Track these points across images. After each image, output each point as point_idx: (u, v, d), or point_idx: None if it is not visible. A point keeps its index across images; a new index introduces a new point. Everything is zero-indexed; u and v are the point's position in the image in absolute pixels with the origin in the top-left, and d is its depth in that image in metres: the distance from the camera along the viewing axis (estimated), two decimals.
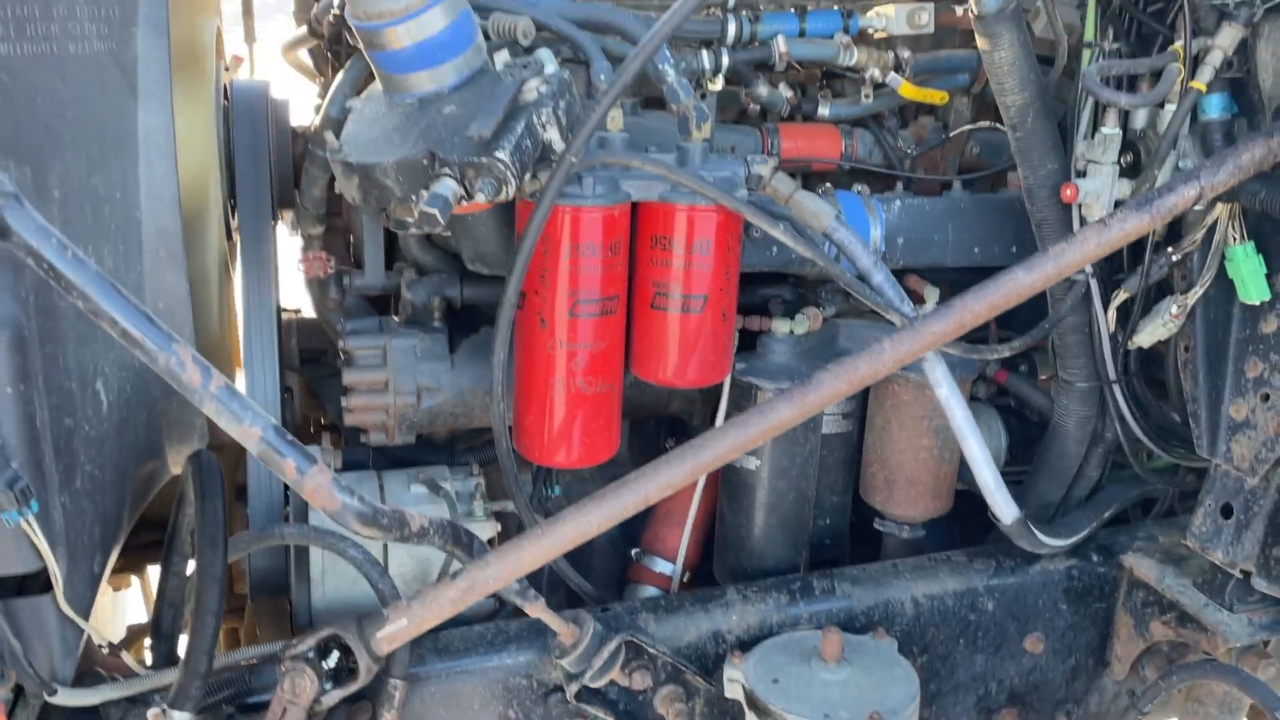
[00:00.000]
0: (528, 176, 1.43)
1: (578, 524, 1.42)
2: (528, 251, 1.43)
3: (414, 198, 1.41)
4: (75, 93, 1.26)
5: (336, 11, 1.74)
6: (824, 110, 1.96)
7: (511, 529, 1.90)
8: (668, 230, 1.60)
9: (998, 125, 2.01)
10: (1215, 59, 1.58)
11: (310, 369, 2.23)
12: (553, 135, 1.41)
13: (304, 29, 2.12)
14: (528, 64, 1.44)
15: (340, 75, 1.80)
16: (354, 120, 1.48)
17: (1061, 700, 2.03)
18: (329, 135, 1.45)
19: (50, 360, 1.25)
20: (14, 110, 1.16)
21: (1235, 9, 1.56)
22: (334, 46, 1.98)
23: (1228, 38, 1.57)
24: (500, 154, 1.32)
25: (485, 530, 1.80)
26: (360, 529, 1.27)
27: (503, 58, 1.55)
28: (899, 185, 2.02)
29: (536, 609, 1.53)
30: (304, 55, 2.36)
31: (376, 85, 1.54)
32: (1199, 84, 1.60)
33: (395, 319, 1.88)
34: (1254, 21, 1.56)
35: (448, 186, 1.33)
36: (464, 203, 1.36)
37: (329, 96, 1.81)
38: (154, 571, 2.36)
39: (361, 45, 1.48)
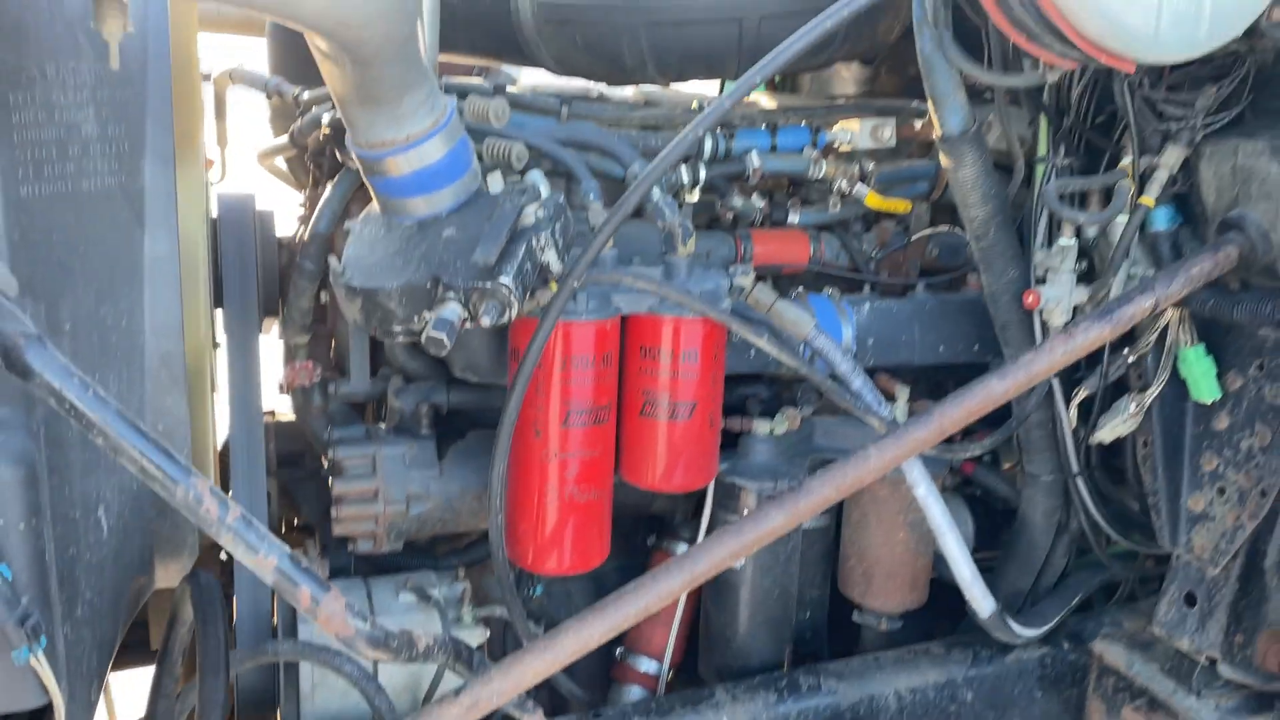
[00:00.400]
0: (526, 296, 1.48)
1: (579, 636, 1.44)
2: (528, 371, 1.48)
3: (416, 319, 1.45)
4: (88, 228, 1.28)
5: (325, 130, 1.79)
6: (794, 217, 2.05)
7: (498, 632, 1.91)
8: (656, 341, 1.65)
9: (955, 229, 2.13)
10: (1161, 177, 1.70)
11: (287, 472, 2.23)
12: (550, 257, 1.46)
13: (283, 139, 2.16)
14: (525, 189, 1.50)
15: (329, 191, 1.85)
16: (354, 243, 1.52)
17: None
18: (332, 260, 1.48)
19: (57, 491, 1.26)
20: (32, 250, 1.18)
21: (1177, 132, 1.68)
22: (317, 159, 2.02)
23: (1172, 157, 1.69)
24: (504, 279, 1.37)
25: (474, 637, 1.81)
26: (371, 653, 1.28)
27: (496, 180, 1.61)
28: (865, 287, 2.10)
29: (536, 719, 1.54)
30: (280, 162, 2.40)
31: (374, 206, 1.59)
32: (1147, 200, 1.71)
33: (382, 426, 1.90)
34: (1195, 142, 1.68)
35: (453, 311, 1.37)
36: (468, 325, 1.40)
37: (317, 211, 1.85)
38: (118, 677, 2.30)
39: (361, 171, 1.52)
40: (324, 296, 1.94)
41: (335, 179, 1.86)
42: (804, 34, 1.23)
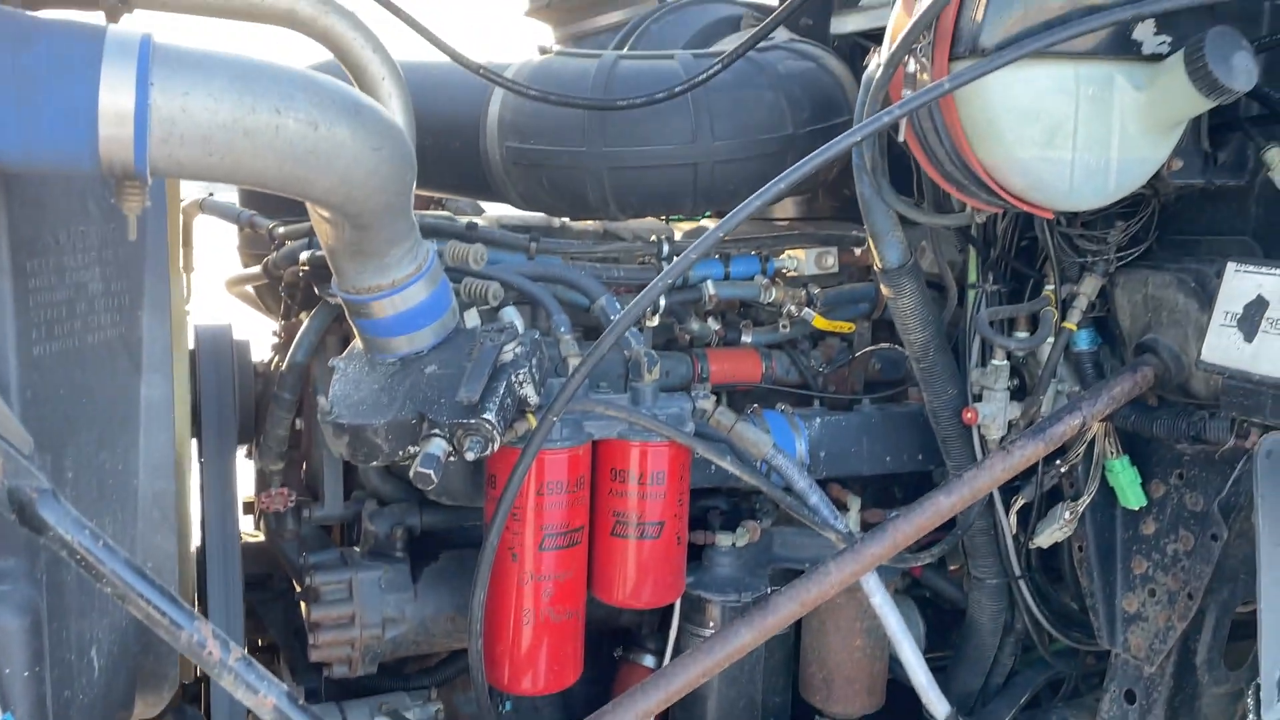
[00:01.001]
0: None
1: None
2: (509, 502, 1.56)
3: (402, 452, 1.53)
4: (91, 379, 1.35)
5: (304, 266, 1.88)
6: (746, 337, 2.17)
7: None
8: (626, 464, 1.75)
9: (895, 345, 2.28)
10: (1082, 303, 1.86)
11: (255, 593, 2.25)
12: (528, 391, 1.56)
13: (256, 268, 2.24)
14: (503, 328, 1.60)
15: (306, 323, 1.93)
16: (340, 380, 1.59)
17: None
18: (320, 399, 1.56)
19: (55, 635, 1.30)
20: (42, 405, 1.25)
21: (1093, 263, 1.85)
22: (291, 291, 2.11)
23: (1090, 285, 1.86)
24: (487, 415, 1.46)
25: None
26: None
27: (473, 315, 1.72)
28: (815, 401, 2.23)
29: None
30: (249, 288, 2.48)
31: (356, 343, 1.67)
32: (1070, 324, 1.87)
33: (356, 550, 1.95)
34: (1109, 273, 1.85)
35: (439, 446, 1.46)
36: (452, 459, 1.48)
37: (295, 342, 1.93)
38: None
39: (346, 312, 1.61)
40: (299, 423, 2.00)
41: (313, 312, 1.94)
42: (782, 179, 1.36)
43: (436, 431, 1.47)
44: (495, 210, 2.36)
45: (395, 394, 1.54)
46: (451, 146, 2.06)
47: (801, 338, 2.27)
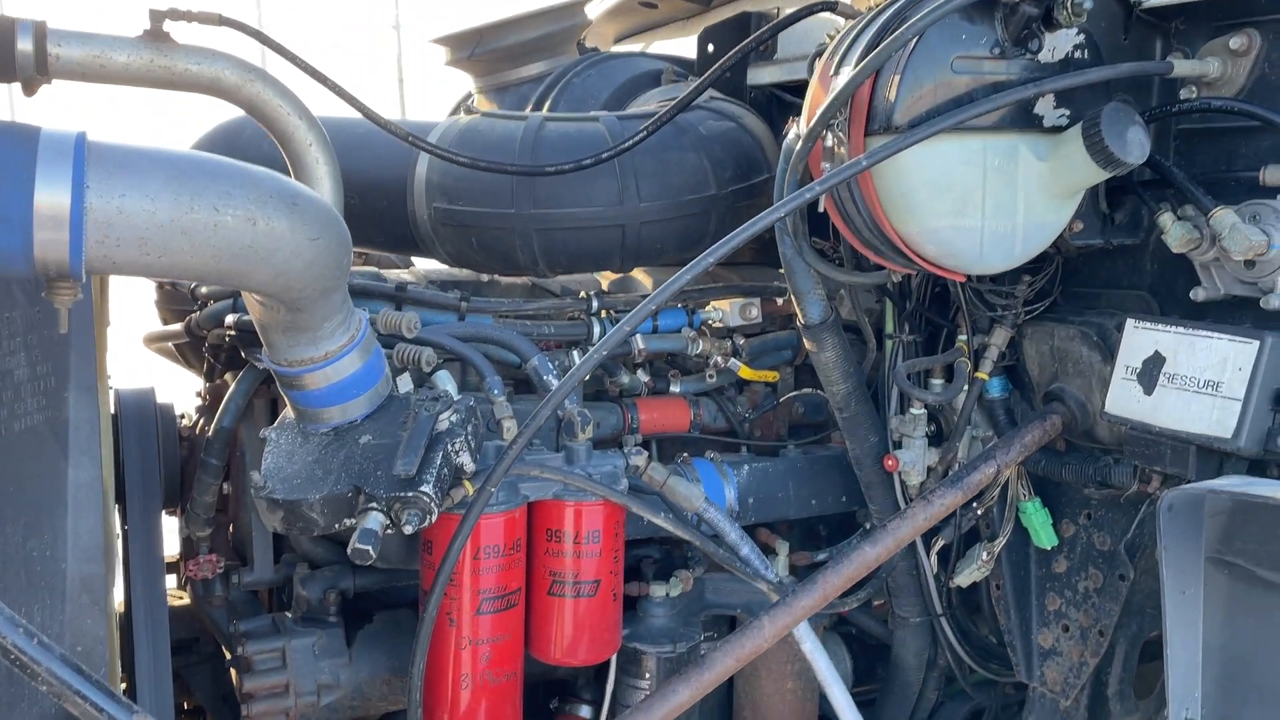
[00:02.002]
0: None
1: None
2: (448, 571, 1.56)
3: (338, 525, 1.53)
4: (18, 467, 1.33)
5: (231, 330, 1.86)
6: (675, 388, 2.22)
7: None
8: (561, 525, 1.77)
9: (817, 390, 2.35)
10: (993, 354, 1.95)
11: (180, 657, 2.21)
12: (465, 459, 1.57)
13: (177, 326, 2.21)
14: (438, 396, 1.61)
15: (233, 388, 1.92)
16: (272, 453, 1.59)
17: None
18: (254, 474, 1.55)
19: None
20: None
21: (1001, 316, 1.94)
22: (215, 352, 2.08)
23: (1000, 337, 1.95)
24: (425, 488, 1.47)
25: None
26: None
27: (405, 381, 1.73)
28: (743, 448, 2.28)
29: None
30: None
31: (287, 413, 1.67)
32: (982, 374, 1.96)
33: (288, 615, 1.93)
34: (1017, 325, 1.95)
35: (376, 520, 1.46)
36: (389, 532, 1.49)
37: (222, 407, 1.91)
38: None
39: (276, 383, 1.61)
40: (226, 488, 1.98)
41: (239, 376, 1.93)
42: (714, 251, 1.41)
43: (373, 505, 1.47)
44: (423, 264, 2.37)
45: (330, 466, 1.54)
46: (378, 206, 2.06)
47: (728, 385, 2.32)
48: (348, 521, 1.53)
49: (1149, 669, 1.97)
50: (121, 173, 1.04)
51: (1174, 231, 1.65)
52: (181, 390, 2.37)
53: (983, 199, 1.58)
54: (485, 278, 2.25)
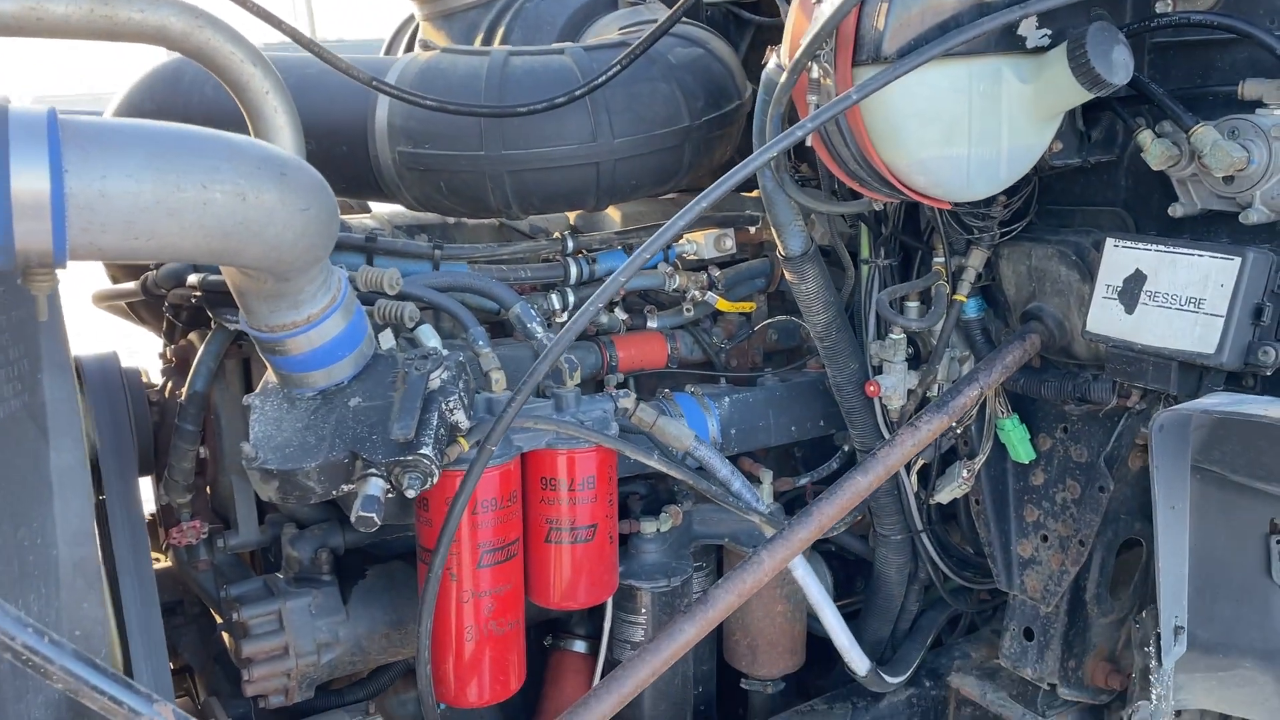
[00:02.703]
0: None
1: None
2: (451, 533, 1.55)
3: (335, 491, 1.50)
4: (1, 456, 1.27)
5: (196, 292, 1.79)
6: (652, 323, 2.20)
7: None
8: (555, 473, 1.76)
9: (791, 317, 2.35)
10: (970, 276, 1.96)
11: (166, 620, 2.17)
12: (459, 417, 1.54)
13: (130, 284, 2.12)
14: (426, 355, 1.57)
15: (202, 350, 1.86)
16: (259, 421, 1.54)
17: None
18: (245, 445, 1.50)
19: None
20: None
21: (978, 237, 1.95)
22: (176, 311, 2.01)
23: (977, 259, 1.96)
24: (425, 450, 1.44)
25: None
26: None
27: (387, 337, 1.68)
28: (721, 380, 2.29)
29: None
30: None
31: (270, 377, 1.62)
32: (960, 296, 1.97)
33: (279, 576, 1.90)
34: (994, 245, 1.95)
35: (378, 486, 1.44)
36: (390, 496, 1.47)
37: (193, 371, 1.85)
38: None
39: (258, 348, 1.55)
40: (203, 451, 1.93)
41: (208, 338, 1.86)
42: (706, 196, 1.37)
43: (373, 471, 1.44)
44: (381, 208, 2.29)
45: (322, 432, 1.51)
46: (336, 151, 1.98)
47: (704, 317, 2.31)
48: (345, 487, 1.50)
49: (1120, 563, 2.05)
50: (100, 152, 0.97)
51: (1153, 149, 1.65)
52: (132, 348, 2.29)
53: (969, 126, 1.57)
54: (452, 220, 2.19)
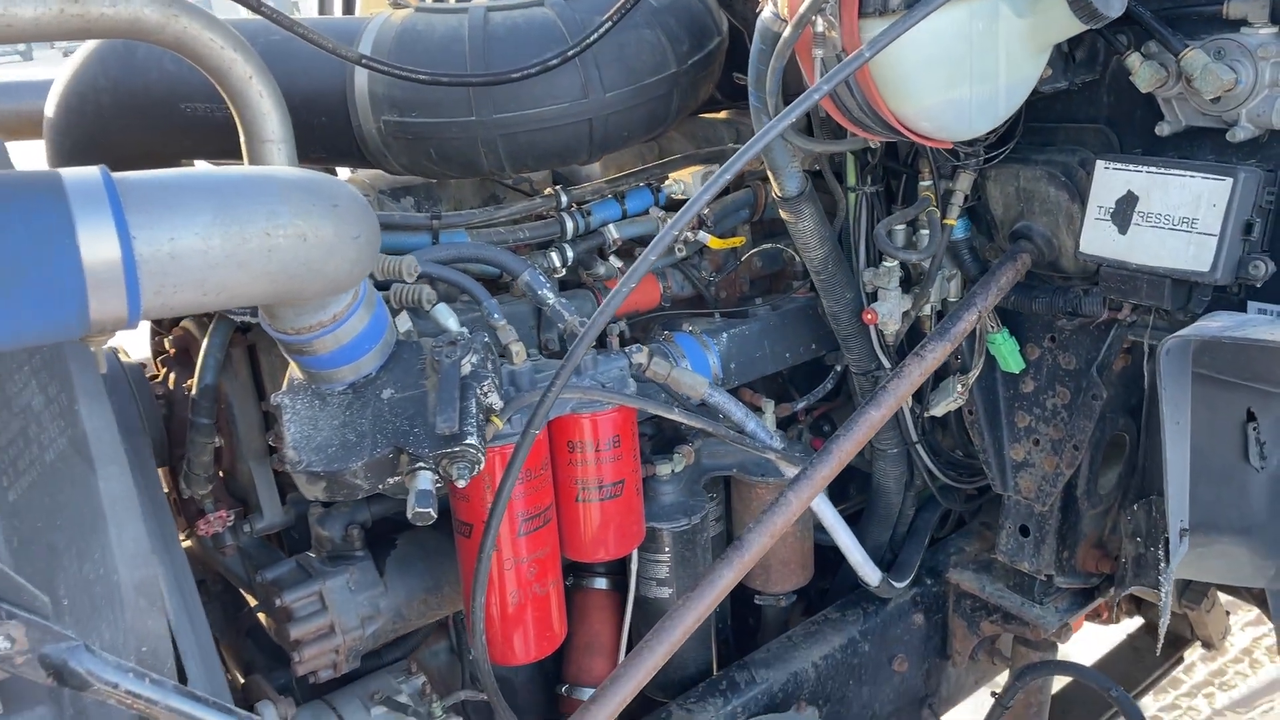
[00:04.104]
0: None
1: None
2: (500, 513, 1.58)
3: (381, 485, 1.52)
4: (58, 498, 1.26)
5: None
6: None
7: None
8: (580, 436, 1.80)
9: (777, 245, 2.38)
10: (959, 199, 2.00)
11: None
12: (494, 399, 1.56)
13: None
14: (452, 340, 1.57)
15: (208, 343, 1.83)
16: (293, 421, 1.54)
17: (924, 696, 2.48)
18: (287, 450, 1.50)
19: None
20: (27, 548, 1.17)
21: (965, 161, 1.98)
22: None
23: (964, 182, 1.99)
24: (470, 440, 1.46)
25: None
26: None
27: (404, 319, 1.68)
28: (715, 315, 2.32)
29: None
30: None
31: (294, 373, 1.61)
32: (950, 220, 2.02)
33: (310, 555, 1.93)
34: (981, 167, 1.99)
35: (427, 480, 1.46)
36: (439, 487, 1.49)
37: (200, 364, 1.83)
38: None
39: (282, 350, 1.54)
40: (218, 441, 1.92)
41: (211, 329, 1.83)
42: (728, 168, 1.38)
43: (421, 465, 1.46)
44: (362, 173, 2.23)
45: (361, 429, 1.51)
46: (315, 121, 1.91)
47: (692, 253, 2.32)
48: (390, 481, 1.52)
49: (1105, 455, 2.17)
50: (164, 212, 0.94)
51: (1142, 72, 1.69)
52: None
53: (970, 67, 1.58)
54: (434, 180, 2.15)
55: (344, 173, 2.29)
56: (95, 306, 0.92)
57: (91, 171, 0.93)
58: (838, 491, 2.64)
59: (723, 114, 2.51)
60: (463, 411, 1.49)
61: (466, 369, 1.54)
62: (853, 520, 2.47)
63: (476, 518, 1.71)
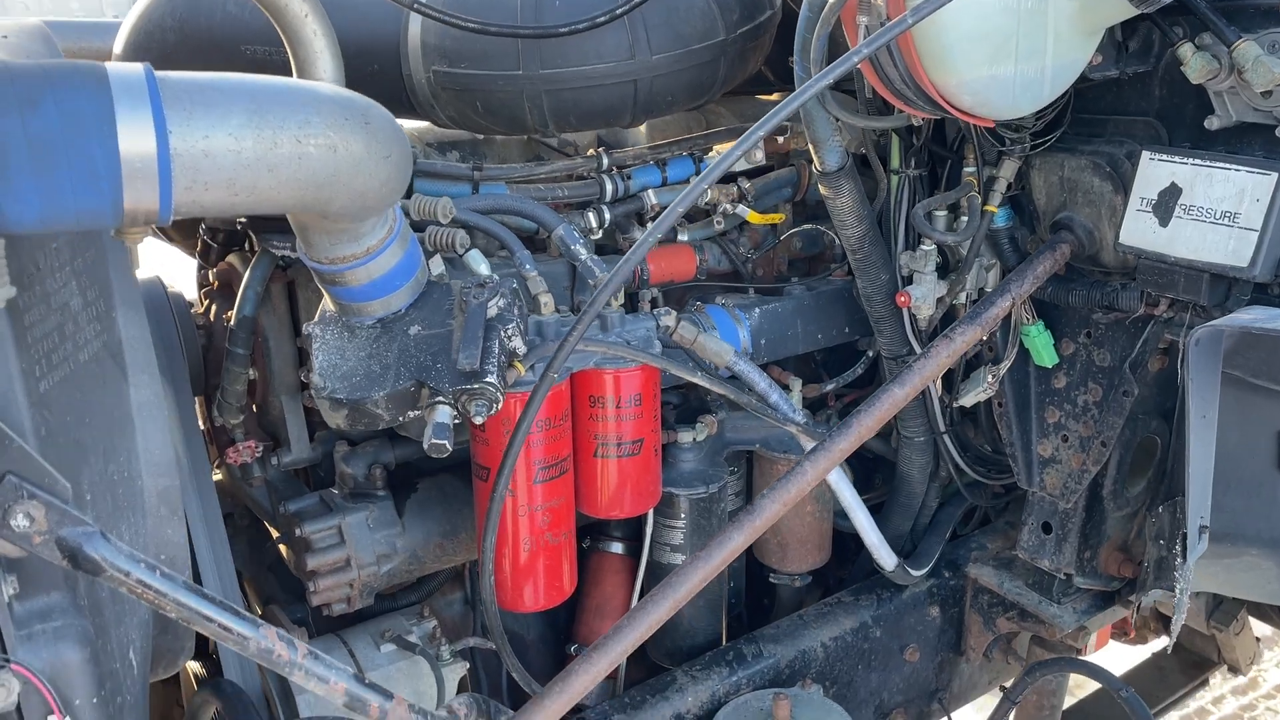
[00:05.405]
0: None
1: (586, 676, 1.62)
2: (515, 455, 1.60)
3: (402, 417, 1.55)
4: (88, 397, 1.31)
5: (241, 219, 1.80)
6: (683, 236, 2.23)
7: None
8: (602, 391, 1.82)
9: (816, 226, 2.38)
10: (1001, 186, 1.99)
11: None
12: (517, 343, 1.58)
13: None
14: (482, 283, 1.60)
15: (248, 275, 1.88)
16: (322, 350, 1.58)
17: (934, 690, 2.46)
18: (313, 375, 1.54)
19: (104, 650, 1.31)
20: (55, 438, 1.21)
21: (1011, 148, 1.97)
22: (213, 232, 2.02)
23: (1008, 169, 1.98)
24: (490, 379, 1.49)
25: (457, 671, 1.96)
26: None
27: (437, 263, 1.71)
28: (750, 290, 2.32)
29: None
30: None
31: (326, 305, 1.65)
32: (991, 207, 2.00)
33: (334, 492, 1.97)
34: (1026, 155, 1.98)
35: (446, 414, 1.48)
36: (457, 422, 1.52)
37: (240, 296, 1.88)
38: None
39: (315, 280, 1.58)
40: (252, 374, 1.97)
41: (254, 263, 1.88)
42: (767, 120, 1.38)
43: (440, 399, 1.49)
44: (410, 125, 2.27)
45: (386, 361, 1.55)
46: (368, 69, 1.95)
47: (731, 228, 2.33)
48: (410, 414, 1.55)
49: (1134, 458, 2.14)
50: (201, 110, 0.98)
51: (1193, 63, 1.66)
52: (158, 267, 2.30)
53: (1016, 44, 1.57)
54: (481, 136, 2.19)
55: (408, 125, 2.32)
56: (129, 196, 0.96)
57: (135, 67, 0.97)
58: (862, 481, 2.63)
59: (775, 96, 2.52)
60: (485, 351, 1.51)
61: (493, 311, 1.57)
62: (876, 511, 2.46)
63: (494, 461, 1.74)
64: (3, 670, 1.13)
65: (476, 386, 1.48)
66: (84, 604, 1.26)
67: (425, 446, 1.46)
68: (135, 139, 0.95)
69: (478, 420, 1.50)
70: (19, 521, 1.10)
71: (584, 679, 1.61)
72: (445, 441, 1.46)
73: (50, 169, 0.91)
